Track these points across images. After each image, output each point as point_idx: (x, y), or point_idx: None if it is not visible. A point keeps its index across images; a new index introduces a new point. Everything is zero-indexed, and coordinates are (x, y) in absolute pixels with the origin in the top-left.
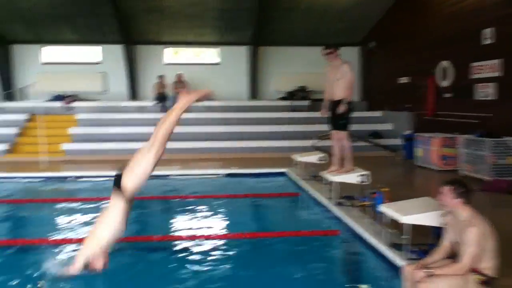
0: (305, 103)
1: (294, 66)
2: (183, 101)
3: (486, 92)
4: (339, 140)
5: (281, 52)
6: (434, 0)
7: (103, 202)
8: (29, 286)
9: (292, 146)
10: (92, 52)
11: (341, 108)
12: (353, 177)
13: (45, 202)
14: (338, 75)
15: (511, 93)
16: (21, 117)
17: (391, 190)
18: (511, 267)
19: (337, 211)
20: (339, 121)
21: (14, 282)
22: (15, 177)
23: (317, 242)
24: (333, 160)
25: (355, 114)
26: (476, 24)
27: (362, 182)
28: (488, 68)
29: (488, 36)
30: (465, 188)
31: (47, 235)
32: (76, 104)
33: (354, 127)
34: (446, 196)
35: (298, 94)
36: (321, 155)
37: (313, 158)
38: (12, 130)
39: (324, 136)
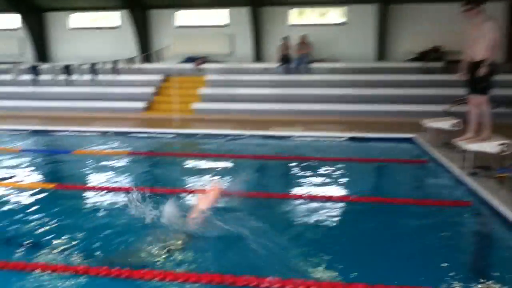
0: (439, 64)
1: (427, 24)
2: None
3: None
4: (477, 106)
5: (413, 9)
6: None
7: (222, 158)
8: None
9: (421, 111)
10: (220, 15)
11: (482, 71)
12: (492, 146)
13: (175, 156)
14: (480, 34)
15: None
16: (157, 77)
17: None
18: None
19: (470, 181)
20: (478, 84)
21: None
22: (151, 132)
23: (445, 212)
24: (469, 127)
25: (498, 77)
26: None
27: (502, 151)
28: None
29: None
30: None
31: (174, 186)
32: (205, 65)
33: (495, 91)
34: None
35: (431, 54)
36: (455, 121)
37: (445, 124)
38: (149, 90)
39: (460, 100)
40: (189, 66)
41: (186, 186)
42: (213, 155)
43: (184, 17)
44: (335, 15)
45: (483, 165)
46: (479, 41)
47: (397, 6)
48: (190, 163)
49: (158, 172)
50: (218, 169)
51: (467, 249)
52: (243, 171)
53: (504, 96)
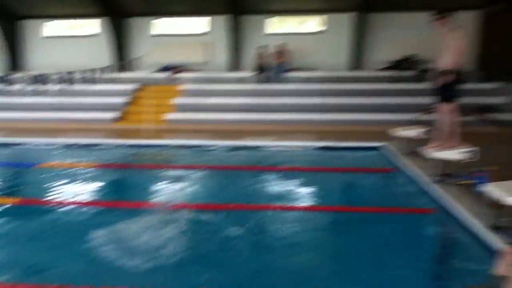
0: (411, 73)
1: (403, 33)
2: None
3: None
4: (445, 114)
5: (390, 19)
6: None
7: (193, 169)
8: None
9: (392, 119)
10: (198, 24)
11: (445, 79)
12: (457, 154)
13: (144, 168)
14: (448, 43)
15: None
16: (132, 87)
17: (499, 169)
18: None
19: (435, 188)
20: (445, 92)
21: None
22: (122, 144)
23: (410, 219)
24: (436, 135)
25: (468, 85)
26: None
27: (467, 159)
28: None
29: None
30: None
31: (140, 199)
32: (180, 75)
33: (465, 99)
34: None
35: (404, 63)
36: (423, 129)
37: (413, 132)
38: (123, 100)
39: (428, 109)
40: (165, 75)
41: (152, 200)
42: (184, 166)
43: (162, 25)
44: (313, 24)
45: (448, 173)
46: (446, 50)
47: (373, 15)
48: (159, 175)
49: (126, 184)
50: (188, 180)
51: (429, 255)
52: (214, 181)
53: (475, 104)
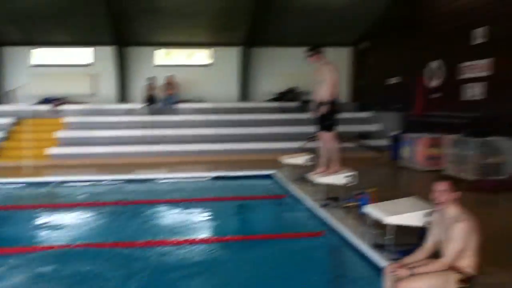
0: (295, 104)
1: (285, 67)
2: None
3: (474, 91)
4: (326, 141)
5: (273, 53)
6: (426, 0)
7: (78, 208)
8: None
9: (281, 147)
10: (82, 54)
11: (323, 110)
12: (339, 178)
13: (22, 209)
14: (322, 76)
15: (499, 93)
16: (8, 121)
17: (377, 191)
18: (491, 266)
19: (322, 212)
20: (324, 122)
21: None
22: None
23: (302, 243)
24: (320, 161)
25: (345, 115)
26: (467, 24)
27: (348, 183)
28: (478, 67)
29: (479, 35)
30: (457, 183)
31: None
32: (64, 107)
33: (343, 128)
34: (444, 193)
35: (288, 95)
36: (308, 156)
37: (300, 159)
38: None
39: (311, 137)
40: (45, 107)
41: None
42: (67, 204)
43: (43, 55)
44: (201, 56)
45: (333, 197)
46: (322, 84)
47: (259, 49)
48: (39, 216)
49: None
50: (72, 220)
51: (319, 276)
52: (103, 219)
53: (351, 131)
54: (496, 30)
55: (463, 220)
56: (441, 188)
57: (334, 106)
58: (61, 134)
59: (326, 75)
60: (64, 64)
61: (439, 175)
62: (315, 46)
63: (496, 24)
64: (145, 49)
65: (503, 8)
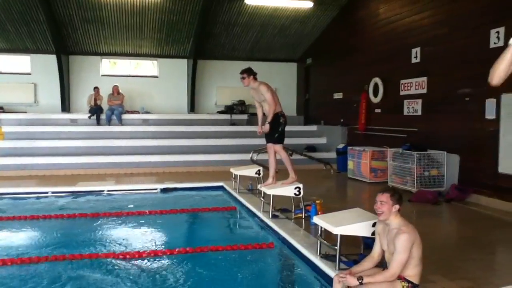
0: (244, 117)
1: (234, 80)
2: None
3: (413, 107)
4: (275, 153)
5: (221, 66)
6: (367, 19)
7: (24, 221)
8: None
9: (231, 159)
10: (22, 62)
11: (266, 128)
12: (288, 190)
13: None
14: (260, 97)
15: (433, 109)
16: None
17: (324, 202)
18: (434, 274)
19: (272, 224)
20: (273, 135)
21: None
22: None
23: (252, 255)
24: (269, 173)
25: (292, 128)
26: (406, 44)
27: (297, 194)
28: (416, 85)
29: (415, 55)
30: (399, 195)
31: None
32: (2, 116)
33: (290, 140)
34: (385, 203)
35: (237, 108)
36: (257, 168)
37: (249, 171)
38: None
39: (260, 149)
40: None
41: None
42: (7, 218)
43: None
44: (148, 67)
45: (282, 208)
46: (263, 102)
47: (207, 62)
48: None
49: None
50: (12, 234)
51: (271, 287)
52: (45, 234)
53: (298, 144)
54: (429, 50)
55: (405, 231)
56: (381, 199)
57: (279, 120)
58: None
59: (264, 95)
60: (1, 71)
61: (382, 187)
62: (245, 70)
63: (428, 45)
64: (90, 58)
65: (434, 31)
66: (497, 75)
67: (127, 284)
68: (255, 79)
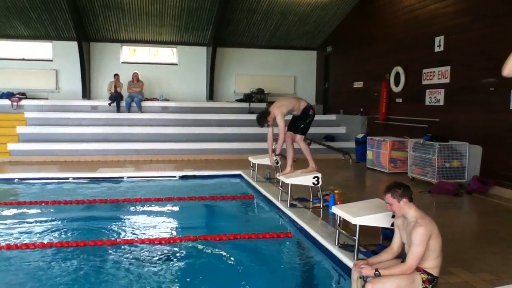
0: (263, 105)
1: (253, 68)
2: None
3: (435, 97)
4: (294, 142)
5: (240, 54)
6: (390, 7)
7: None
8: None
9: (249, 148)
10: (44, 49)
11: (271, 160)
12: (307, 179)
13: None
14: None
15: (456, 99)
16: None
17: (343, 192)
18: (454, 266)
19: (289, 213)
20: (299, 124)
21: None
22: None
23: (270, 244)
24: (287, 162)
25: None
26: (429, 32)
27: (316, 184)
28: (439, 74)
29: (439, 43)
30: (401, 187)
31: None
32: (25, 102)
33: (309, 129)
34: (391, 204)
35: (256, 96)
36: (276, 157)
37: (268, 160)
38: None
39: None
40: (5, 102)
41: None
42: (30, 202)
43: (2, 48)
44: (167, 54)
45: (300, 197)
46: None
47: (226, 49)
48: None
49: None
50: (34, 219)
51: (288, 277)
52: (66, 219)
53: (317, 133)
54: (452, 39)
55: (421, 224)
56: (387, 202)
57: (308, 112)
58: (22, 130)
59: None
60: (24, 58)
61: (384, 188)
62: (259, 117)
63: (452, 34)
64: (110, 45)
65: (458, 19)
66: (509, 67)
67: (147, 268)
68: (270, 118)
